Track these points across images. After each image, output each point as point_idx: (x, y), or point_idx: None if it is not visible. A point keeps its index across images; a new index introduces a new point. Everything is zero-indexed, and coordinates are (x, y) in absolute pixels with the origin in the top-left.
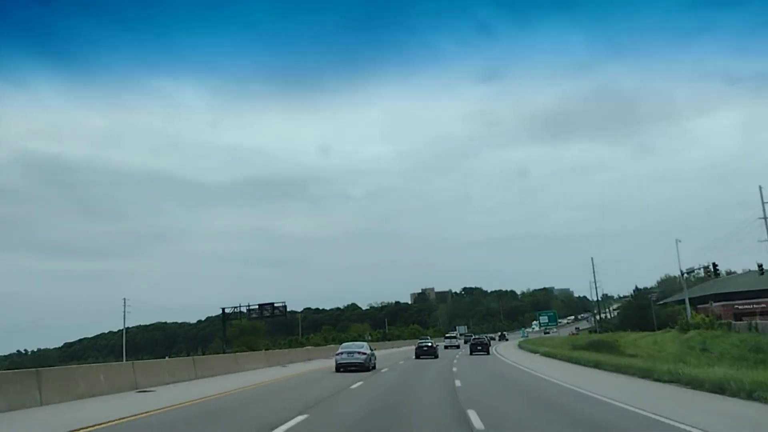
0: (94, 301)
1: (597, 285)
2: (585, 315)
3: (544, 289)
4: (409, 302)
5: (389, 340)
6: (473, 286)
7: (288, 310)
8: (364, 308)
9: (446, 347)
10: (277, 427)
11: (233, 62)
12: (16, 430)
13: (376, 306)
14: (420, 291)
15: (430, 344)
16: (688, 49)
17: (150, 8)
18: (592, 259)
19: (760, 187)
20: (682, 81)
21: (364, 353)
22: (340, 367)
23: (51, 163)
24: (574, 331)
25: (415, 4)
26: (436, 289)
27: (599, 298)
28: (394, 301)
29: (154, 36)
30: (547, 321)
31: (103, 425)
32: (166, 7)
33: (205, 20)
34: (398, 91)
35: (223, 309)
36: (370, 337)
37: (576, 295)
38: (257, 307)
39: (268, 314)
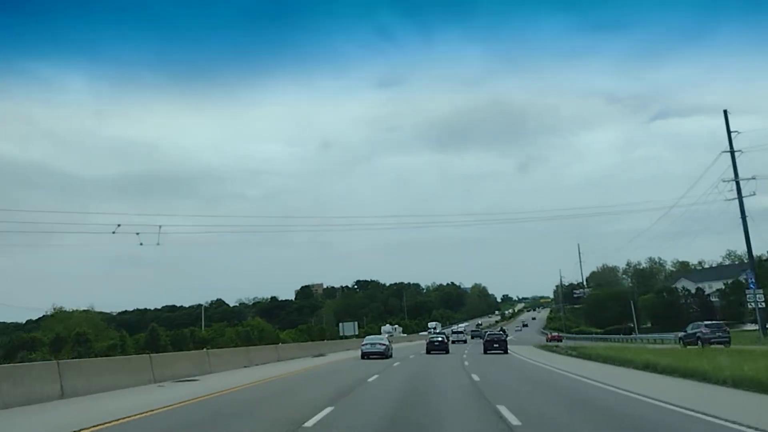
0: None
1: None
2: (541, 307)
3: (453, 284)
4: (292, 299)
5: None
6: (368, 279)
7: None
8: (231, 305)
9: (453, 342)
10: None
11: (122, 50)
12: None
13: (246, 303)
14: (303, 286)
15: (441, 339)
16: (574, 69)
17: None
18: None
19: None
20: (568, 98)
21: (384, 344)
22: (365, 355)
23: None
24: (550, 334)
25: (316, 4)
26: (326, 285)
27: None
28: (269, 297)
29: (32, 15)
30: None
31: None
32: None
33: (92, 2)
34: (297, 92)
35: None
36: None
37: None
38: None
39: None
